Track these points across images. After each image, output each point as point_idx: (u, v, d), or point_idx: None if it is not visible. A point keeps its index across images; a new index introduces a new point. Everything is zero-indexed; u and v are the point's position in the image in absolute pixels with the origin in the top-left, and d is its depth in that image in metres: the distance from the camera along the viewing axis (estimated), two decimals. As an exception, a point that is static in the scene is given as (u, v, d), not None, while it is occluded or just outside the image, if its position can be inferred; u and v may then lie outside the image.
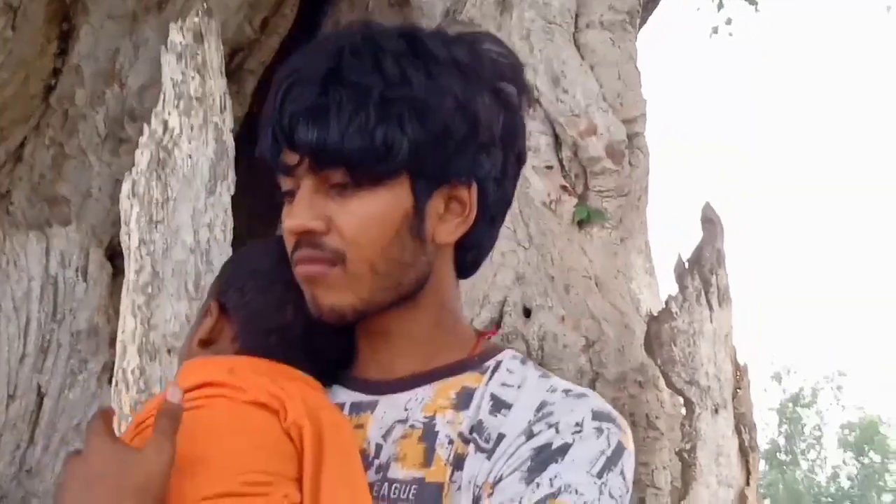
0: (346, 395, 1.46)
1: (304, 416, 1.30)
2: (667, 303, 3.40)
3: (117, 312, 4.56)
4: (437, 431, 1.37)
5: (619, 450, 1.32)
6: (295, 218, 1.37)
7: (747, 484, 3.34)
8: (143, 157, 3.24)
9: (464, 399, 1.39)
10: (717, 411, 3.32)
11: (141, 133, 3.44)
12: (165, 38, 5.11)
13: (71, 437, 4.16)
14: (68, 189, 4.98)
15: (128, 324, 3.14)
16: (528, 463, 1.30)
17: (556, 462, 1.29)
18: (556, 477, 1.28)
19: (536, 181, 3.82)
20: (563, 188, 3.82)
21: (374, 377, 1.45)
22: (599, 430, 1.32)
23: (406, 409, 1.40)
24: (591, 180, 3.83)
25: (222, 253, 3.27)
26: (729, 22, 10.05)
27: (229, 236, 3.34)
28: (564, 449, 1.30)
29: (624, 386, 3.57)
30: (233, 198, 3.36)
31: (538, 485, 1.28)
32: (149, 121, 3.41)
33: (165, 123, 3.28)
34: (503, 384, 1.39)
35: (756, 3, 9.92)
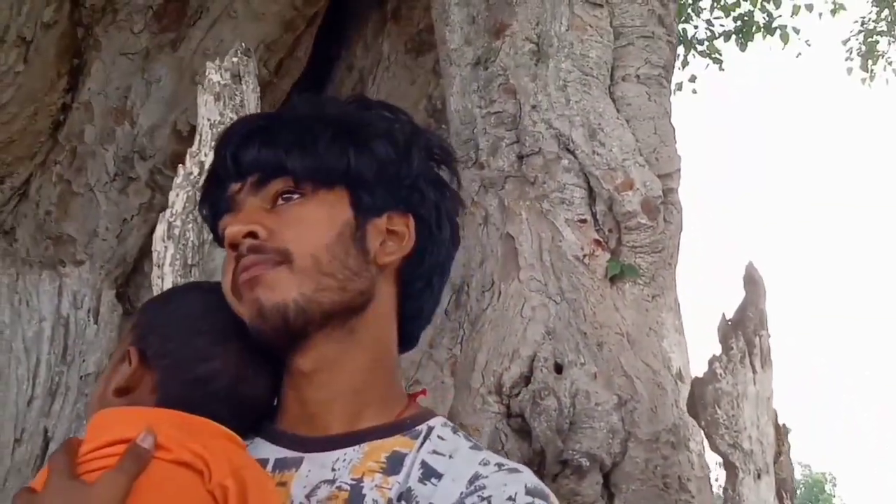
0: (270, 451, 1.41)
1: (229, 476, 1.25)
2: (710, 363, 3.33)
3: (125, 356, 4.47)
4: (364, 495, 1.33)
5: None
6: (235, 224, 1.37)
7: (789, 551, 3.26)
8: (178, 199, 3.14)
9: (394, 463, 1.36)
10: (759, 476, 3.24)
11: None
12: (179, 76, 5.06)
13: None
14: (74, 227, 4.87)
15: (158, 370, 3.02)
16: None
17: None
18: None
19: (569, 234, 3.75)
20: (597, 242, 3.75)
21: (301, 433, 1.41)
22: None
23: (334, 470, 1.36)
24: (624, 235, 3.76)
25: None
26: (693, 79, 10.40)
27: (260, 282, 3.26)
28: None
29: (657, 446, 3.49)
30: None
31: None
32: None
33: (202, 165, 3.19)
34: (434, 452, 1.37)
35: (721, 63, 10.26)
